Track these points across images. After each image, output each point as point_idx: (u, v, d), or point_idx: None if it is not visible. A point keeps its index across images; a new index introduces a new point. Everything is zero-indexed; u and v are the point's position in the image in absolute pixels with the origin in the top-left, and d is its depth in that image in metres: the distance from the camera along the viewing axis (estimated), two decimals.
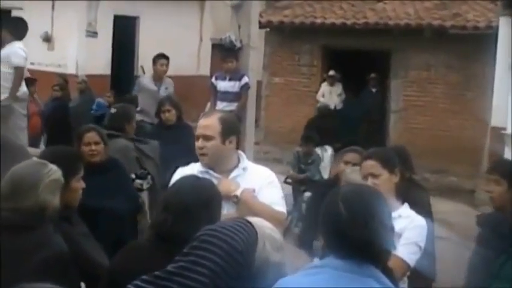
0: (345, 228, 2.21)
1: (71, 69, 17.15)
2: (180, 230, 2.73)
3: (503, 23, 11.79)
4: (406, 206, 3.91)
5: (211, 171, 3.75)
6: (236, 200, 3.70)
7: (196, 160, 4.07)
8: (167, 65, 9.47)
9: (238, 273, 2.43)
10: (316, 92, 15.71)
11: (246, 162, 3.89)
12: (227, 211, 3.61)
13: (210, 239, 2.45)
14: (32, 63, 15.94)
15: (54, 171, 3.17)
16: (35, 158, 3.49)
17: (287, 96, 15.96)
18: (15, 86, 8.07)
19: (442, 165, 13.87)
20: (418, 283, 4.47)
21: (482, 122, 12.62)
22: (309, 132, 10.28)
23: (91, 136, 5.03)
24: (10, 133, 7.61)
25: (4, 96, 8.02)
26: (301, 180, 9.68)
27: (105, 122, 6.55)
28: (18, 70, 8.10)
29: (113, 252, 3.33)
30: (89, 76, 16.83)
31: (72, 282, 3.04)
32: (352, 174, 4.66)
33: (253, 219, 2.83)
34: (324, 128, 11.79)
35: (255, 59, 9.12)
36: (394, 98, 15.27)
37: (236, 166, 3.82)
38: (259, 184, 3.79)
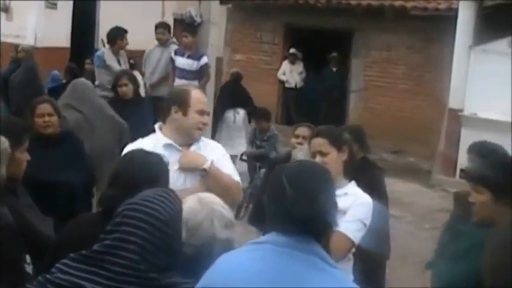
0: (288, 204, 2.19)
1: (29, 41, 16.82)
2: None
3: (463, 5, 11.88)
4: (353, 183, 3.93)
5: (175, 144, 3.76)
6: (205, 173, 3.72)
7: (149, 133, 4.05)
8: (126, 38, 9.36)
9: (168, 244, 2.42)
10: (278, 70, 15.70)
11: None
12: (190, 183, 3.68)
13: (133, 214, 2.42)
14: None
15: (1, 142, 3.11)
16: None
17: (248, 73, 15.84)
18: None
19: (400, 145, 13.99)
20: (371, 262, 4.51)
21: (441, 103, 12.73)
22: (262, 109, 10.18)
23: (44, 107, 4.97)
24: None
25: None
26: (256, 157, 9.67)
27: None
28: None
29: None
30: (48, 48, 16.63)
31: (16, 254, 2.99)
32: (299, 153, 4.71)
33: (204, 195, 2.82)
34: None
35: (215, 35, 9.06)
36: (355, 78, 15.33)
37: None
38: (215, 157, 3.83)
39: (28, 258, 3.09)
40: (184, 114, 3.74)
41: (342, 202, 3.80)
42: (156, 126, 3.87)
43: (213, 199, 2.76)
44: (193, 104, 3.74)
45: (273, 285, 2.14)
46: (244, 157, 9.85)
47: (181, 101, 3.75)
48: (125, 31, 9.40)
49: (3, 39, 15.95)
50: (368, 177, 4.81)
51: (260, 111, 10.07)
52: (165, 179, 2.99)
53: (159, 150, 3.57)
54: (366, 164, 5.14)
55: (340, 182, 3.79)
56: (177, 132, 3.78)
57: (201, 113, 3.75)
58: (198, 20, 8.77)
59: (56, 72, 12.56)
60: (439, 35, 13.70)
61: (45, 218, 3.74)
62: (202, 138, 3.94)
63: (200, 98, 3.81)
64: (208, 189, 3.21)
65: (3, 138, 3.13)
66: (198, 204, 2.67)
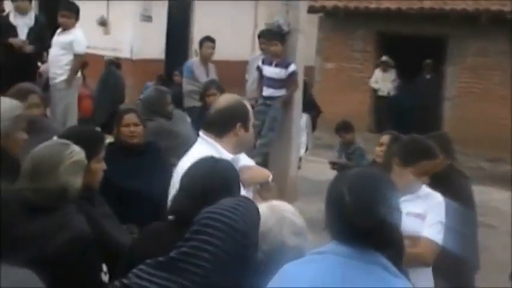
0: (348, 213, 2.15)
1: (125, 53, 17.32)
2: (198, 212, 2.67)
3: None
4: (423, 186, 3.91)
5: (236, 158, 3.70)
6: (264, 185, 3.70)
7: None
8: (213, 47, 9.46)
9: (243, 254, 2.41)
10: (370, 78, 15.54)
11: None
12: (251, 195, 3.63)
13: (210, 223, 2.42)
14: (87, 47, 16.26)
15: (77, 152, 3.17)
16: (55, 138, 3.50)
17: (340, 82, 15.83)
18: (73, 73, 8.35)
19: (497, 153, 13.58)
20: (456, 269, 4.41)
21: None
22: (343, 121, 9.96)
23: (130, 117, 5.05)
24: (60, 117, 7.83)
25: (60, 79, 8.25)
26: (345, 165, 9.51)
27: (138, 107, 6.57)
28: (78, 58, 8.38)
29: None
30: (143, 60, 17.07)
31: (93, 264, 3.05)
32: None
33: (276, 203, 2.81)
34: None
35: (302, 44, 9.01)
36: (449, 85, 15.00)
37: None
38: (246, 161, 3.83)
39: (104, 267, 3.15)
40: (247, 130, 3.62)
41: (416, 206, 3.79)
42: (206, 137, 3.64)
43: (284, 206, 2.75)
44: (251, 117, 3.67)
45: None
46: (336, 166, 9.73)
47: (244, 117, 3.62)
48: (209, 40, 9.50)
49: (100, 52, 16.49)
50: (454, 184, 4.71)
51: (341, 124, 9.90)
52: (236, 186, 2.96)
53: None
54: (452, 171, 5.01)
55: (412, 186, 3.82)
56: (237, 146, 3.63)
57: (253, 124, 3.71)
58: (285, 28, 8.74)
59: (149, 83, 12.85)
60: None
61: (128, 229, 3.80)
62: None
63: (251, 108, 3.73)
64: (265, 199, 3.17)
65: (78, 149, 3.19)
66: (268, 210, 2.66)
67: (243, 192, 3.60)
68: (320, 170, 10.55)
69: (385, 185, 2.24)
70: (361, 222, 2.12)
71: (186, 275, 2.38)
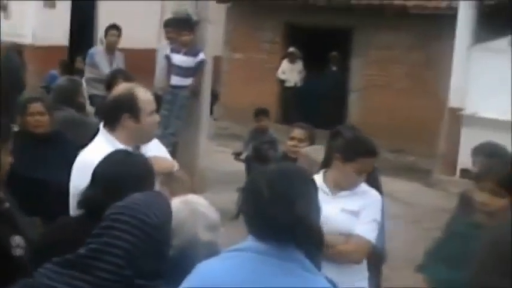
0: (266, 208, 2.10)
1: (27, 39, 16.81)
2: (108, 205, 2.54)
3: (463, 4, 11.84)
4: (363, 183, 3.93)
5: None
6: (168, 174, 3.65)
7: None
8: (118, 36, 9.28)
9: (157, 250, 2.33)
10: (277, 69, 15.62)
11: None
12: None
13: (121, 217, 2.33)
14: None
15: None
16: None
17: (247, 72, 15.83)
18: None
19: (401, 145, 13.90)
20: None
21: (441, 103, 12.65)
22: (261, 107, 10.01)
23: (36, 106, 4.89)
24: None
25: None
26: (258, 158, 9.51)
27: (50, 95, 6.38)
28: None
29: None
30: (47, 47, 16.59)
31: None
32: (313, 153, 4.58)
33: (188, 196, 2.74)
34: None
35: (212, 34, 8.97)
36: (355, 77, 15.24)
37: None
38: (161, 151, 3.84)
39: (17, 240, 3.01)
40: (137, 121, 3.48)
41: (352, 203, 3.81)
42: (102, 129, 3.55)
43: (197, 199, 2.68)
44: (144, 107, 3.50)
45: None
46: (242, 157, 9.72)
47: (132, 107, 3.47)
48: (114, 28, 9.29)
49: (1, 38, 15.94)
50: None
51: (260, 110, 9.93)
52: (151, 180, 2.88)
53: None
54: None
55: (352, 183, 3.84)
56: (131, 138, 3.50)
57: (152, 113, 3.55)
58: (194, 17, 8.66)
59: (53, 71, 12.51)
60: (439, 34, 13.59)
61: (29, 219, 3.65)
62: None
63: (148, 97, 3.55)
64: (172, 192, 3.10)
65: None
66: (180, 204, 2.60)
67: None
68: (227, 161, 10.54)
69: (304, 181, 2.21)
70: (279, 218, 2.07)
71: (97, 272, 2.27)
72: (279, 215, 2.07)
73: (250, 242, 2.15)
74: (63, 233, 2.82)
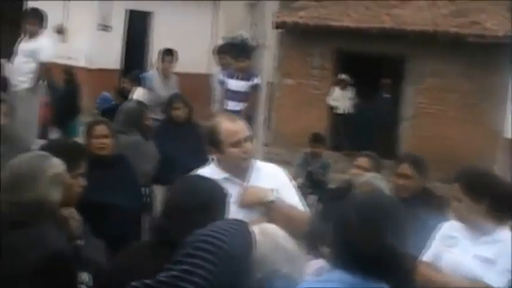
0: (356, 241, 2.04)
1: (81, 62, 17.07)
2: (178, 234, 2.55)
3: None
4: (503, 228, 3.64)
5: (234, 178, 3.61)
6: (272, 207, 3.55)
7: (203, 159, 3.94)
8: (174, 60, 9.29)
9: (234, 280, 2.29)
10: (327, 95, 15.57)
11: (257, 161, 3.76)
12: (252, 217, 3.45)
13: (202, 245, 2.30)
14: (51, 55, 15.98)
15: (56, 164, 3.03)
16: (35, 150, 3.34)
17: (298, 98, 15.79)
18: (36, 80, 8.14)
19: (452, 174, 13.64)
20: None
21: (495, 133, 12.44)
22: (317, 133, 9.96)
23: (101, 129, 4.94)
24: (21, 125, 7.60)
25: (23, 87, 8.06)
26: (312, 184, 9.46)
27: (118, 117, 6.42)
28: (42, 65, 8.20)
29: (115, 250, 3.22)
30: (100, 70, 16.84)
31: (70, 281, 2.90)
32: (376, 181, 4.49)
33: (266, 226, 2.70)
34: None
35: (267, 60, 8.97)
36: (407, 105, 15.08)
37: (251, 168, 3.68)
38: (277, 185, 3.66)
39: (86, 277, 3.01)
40: (221, 152, 3.59)
41: (489, 250, 3.55)
42: (211, 158, 3.73)
43: (276, 231, 2.64)
44: (225, 138, 3.56)
45: None
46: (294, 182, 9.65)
47: (213, 140, 3.60)
48: (170, 53, 9.33)
49: (56, 60, 16.18)
50: (434, 208, 4.60)
51: (316, 136, 9.91)
52: (219, 207, 2.84)
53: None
54: (429, 195, 4.92)
55: (484, 228, 3.59)
56: (223, 166, 3.61)
57: (237, 144, 3.55)
58: (251, 43, 8.69)
59: (105, 93, 12.63)
60: (494, 63, 13.42)
61: (97, 243, 3.65)
62: (262, 164, 3.79)
63: (231, 128, 3.58)
64: (273, 222, 3.03)
65: (58, 161, 3.04)
66: (261, 236, 2.55)
67: (242, 210, 3.52)
68: None
69: (396, 212, 2.14)
70: (368, 248, 2.01)
71: None
72: (368, 245, 2.02)
73: (337, 273, 2.10)
74: (135, 258, 2.81)
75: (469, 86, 14.11)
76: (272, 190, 3.59)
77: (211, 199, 2.83)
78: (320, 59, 15.84)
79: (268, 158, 14.44)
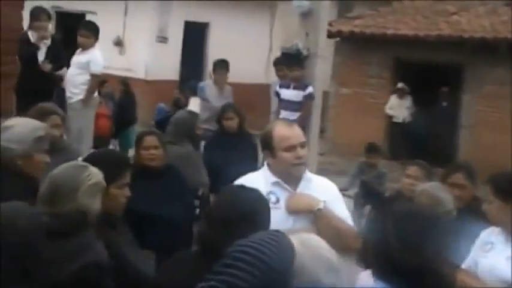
0: (393, 253, 2.01)
1: (140, 74, 17.31)
2: (222, 244, 2.53)
3: None
4: None
5: (284, 184, 3.60)
6: (317, 215, 3.52)
7: (254, 168, 3.94)
8: (226, 71, 9.33)
9: None
10: (385, 104, 15.43)
11: (308, 172, 3.75)
12: (299, 226, 3.47)
13: (242, 256, 2.28)
14: (103, 67, 16.24)
15: (95, 174, 3.07)
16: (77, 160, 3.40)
17: (355, 107, 15.69)
18: (90, 93, 8.30)
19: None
20: None
21: None
22: (372, 143, 9.88)
23: (151, 140, 4.97)
24: (75, 137, 7.75)
25: (76, 99, 8.21)
26: (367, 193, 9.37)
27: (169, 128, 6.50)
28: (95, 77, 8.34)
29: (164, 260, 3.23)
30: (158, 81, 17.05)
31: None
32: (434, 190, 4.39)
33: (306, 236, 2.68)
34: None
35: (321, 68, 8.95)
36: (466, 113, 14.84)
37: (301, 177, 3.66)
38: (327, 197, 3.63)
39: None
40: (273, 156, 3.60)
41: None
42: (266, 161, 3.74)
43: (317, 242, 2.61)
44: (278, 143, 3.56)
45: None
46: (349, 193, 9.59)
47: (267, 144, 3.63)
48: (224, 64, 9.38)
49: (114, 72, 16.44)
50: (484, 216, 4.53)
51: (372, 146, 9.84)
52: (262, 216, 2.82)
53: (269, 187, 3.50)
54: (479, 204, 4.83)
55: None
56: (275, 172, 3.62)
57: (290, 149, 3.53)
58: (305, 52, 8.68)
59: (162, 104, 12.78)
60: None
61: (146, 255, 3.68)
62: (314, 176, 3.77)
63: (284, 133, 3.59)
64: (320, 234, 3.00)
65: (97, 171, 3.09)
66: (301, 247, 2.52)
67: (291, 218, 3.52)
68: None
69: (432, 222, 2.10)
70: (408, 263, 1.98)
71: None
72: (407, 260, 1.98)
73: (379, 285, 2.07)
74: (179, 269, 2.82)
75: None
76: (321, 200, 3.56)
77: (253, 209, 2.81)
78: (377, 67, 15.73)
79: (323, 168, 14.46)
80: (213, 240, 2.73)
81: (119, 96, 12.64)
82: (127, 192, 3.54)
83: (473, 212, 4.56)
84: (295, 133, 3.60)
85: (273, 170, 3.63)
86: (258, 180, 3.55)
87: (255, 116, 12.16)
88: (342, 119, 15.84)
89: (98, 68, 8.37)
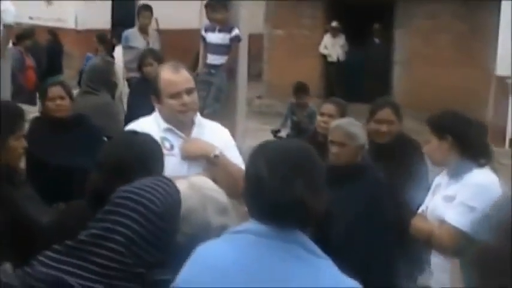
0: (264, 188, 1.99)
1: (70, 24, 16.94)
2: (113, 189, 2.44)
3: None
4: (479, 170, 3.61)
5: (176, 130, 3.51)
6: (212, 162, 3.46)
7: None
8: (150, 17, 9.21)
9: (161, 238, 2.24)
10: (319, 44, 15.42)
11: (201, 118, 3.68)
12: (194, 172, 3.40)
13: (124, 202, 2.23)
14: (31, 18, 15.85)
15: None
16: None
17: (289, 48, 15.65)
18: (4, 44, 8.06)
19: None
20: None
21: (488, 72, 12.31)
22: (299, 83, 9.86)
23: (56, 90, 4.80)
24: None
25: None
26: (297, 135, 9.40)
27: (84, 77, 6.38)
28: (8, 28, 8.10)
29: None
30: (88, 30, 16.66)
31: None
32: (349, 126, 4.37)
33: (195, 179, 2.64)
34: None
35: (246, 11, 8.79)
36: (399, 49, 14.94)
37: (194, 123, 3.58)
38: (221, 143, 3.57)
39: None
40: (160, 102, 3.50)
41: (454, 188, 3.58)
42: (156, 107, 3.59)
43: (205, 184, 2.57)
44: (164, 88, 3.46)
45: (251, 277, 1.97)
46: (281, 134, 9.62)
47: (154, 88, 3.51)
48: (146, 8, 9.23)
49: (44, 23, 16.03)
50: (410, 151, 4.59)
51: (300, 86, 9.81)
52: (155, 161, 2.75)
53: (162, 133, 3.42)
54: (404, 139, 4.87)
55: (457, 168, 3.62)
56: (164, 118, 3.52)
57: (175, 96, 3.43)
58: None
59: (90, 54, 12.50)
60: (484, 2, 13.20)
61: (47, 208, 3.59)
62: (206, 121, 3.71)
63: (170, 78, 3.46)
64: (215, 181, 2.97)
65: None
66: (189, 190, 2.49)
67: (185, 164, 3.46)
68: (268, 138, 10.41)
69: (306, 158, 2.07)
70: (278, 199, 1.96)
71: (97, 259, 2.19)
72: (278, 196, 1.96)
73: (250, 224, 2.06)
74: (70, 218, 2.76)
75: (460, 27, 13.95)
76: (217, 147, 3.50)
77: (145, 155, 2.74)
78: (309, 8, 15.67)
79: (261, 111, 14.48)
80: (103, 187, 2.67)
81: (46, 47, 12.34)
82: (24, 143, 3.45)
83: (399, 147, 4.65)
84: (181, 79, 3.47)
85: (162, 116, 3.53)
86: (151, 125, 3.45)
87: (189, 62, 12.00)
88: (277, 61, 15.81)
89: (9, 18, 8.11)
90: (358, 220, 3.88)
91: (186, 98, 3.44)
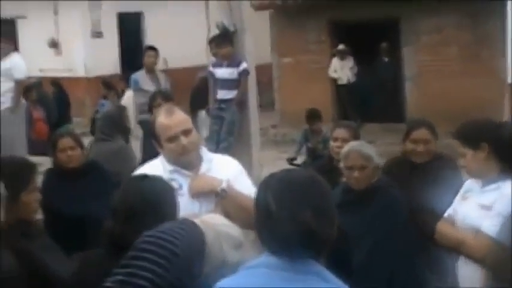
0: (273, 220, 1.98)
1: (80, 72, 17.11)
2: (129, 235, 2.48)
3: None
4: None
5: (182, 170, 3.50)
6: (221, 196, 3.45)
7: None
8: (155, 56, 9.30)
9: (182, 279, 2.23)
10: (328, 68, 15.44)
11: (208, 153, 3.68)
12: (207, 209, 3.41)
13: (148, 247, 2.25)
14: (41, 71, 16.04)
15: None
16: None
17: (298, 75, 15.68)
18: (16, 99, 8.18)
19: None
20: None
21: (500, 80, 12.24)
22: (312, 109, 9.87)
23: (66, 142, 4.87)
24: (8, 144, 7.63)
25: (3, 107, 8.10)
26: (311, 160, 9.37)
27: (97, 125, 6.44)
28: (19, 83, 8.22)
29: None
30: (99, 77, 16.83)
31: None
32: (363, 148, 4.37)
33: (206, 217, 2.63)
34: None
35: (251, 42, 8.83)
36: (408, 65, 14.92)
37: (201, 159, 3.58)
38: (231, 175, 3.56)
39: None
40: (160, 146, 3.51)
41: (490, 197, 3.55)
42: (159, 151, 3.59)
43: (217, 220, 2.57)
44: (161, 133, 3.46)
45: None
46: (297, 162, 9.60)
47: (153, 134, 3.52)
48: (150, 49, 9.34)
49: (54, 74, 16.18)
50: (449, 171, 4.58)
51: (312, 112, 9.82)
52: (168, 203, 2.76)
53: (169, 175, 3.42)
54: (442, 158, 4.86)
55: (490, 176, 3.59)
56: (167, 160, 3.53)
57: (172, 139, 3.42)
58: (231, 29, 8.56)
59: (104, 101, 12.62)
60: (490, 10, 13.18)
61: (67, 258, 3.60)
62: (214, 155, 3.71)
63: (164, 122, 3.44)
64: (226, 214, 2.93)
65: None
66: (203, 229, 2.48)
67: (196, 203, 3.45)
68: (285, 167, 10.39)
69: (312, 187, 2.05)
70: (288, 231, 1.95)
71: None
72: (287, 227, 1.95)
73: (263, 257, 2.05)
74: (91, 267, 2.77)
75: (466, 37, 13.92)
76: (223, 180, 3.48)
77: (161, 196, 2.76)
78: (315, 32, 15.74)
79: (277, 140, 14.46)
80: (119, 234, 2.67)
81: (52, 98, 12.51)
82: (38, 196, 3.46)
83: (438, 166, 4.65)
84: (176, 121, 3.45)
85: (166, 158, 3.53)
86: (158, 168, 3.47)
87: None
88: (288, 88, 15.85)
89: (21, 74, 8.25)
90: (384, 239, 3.94)
91: (183, 140, 3.43)
